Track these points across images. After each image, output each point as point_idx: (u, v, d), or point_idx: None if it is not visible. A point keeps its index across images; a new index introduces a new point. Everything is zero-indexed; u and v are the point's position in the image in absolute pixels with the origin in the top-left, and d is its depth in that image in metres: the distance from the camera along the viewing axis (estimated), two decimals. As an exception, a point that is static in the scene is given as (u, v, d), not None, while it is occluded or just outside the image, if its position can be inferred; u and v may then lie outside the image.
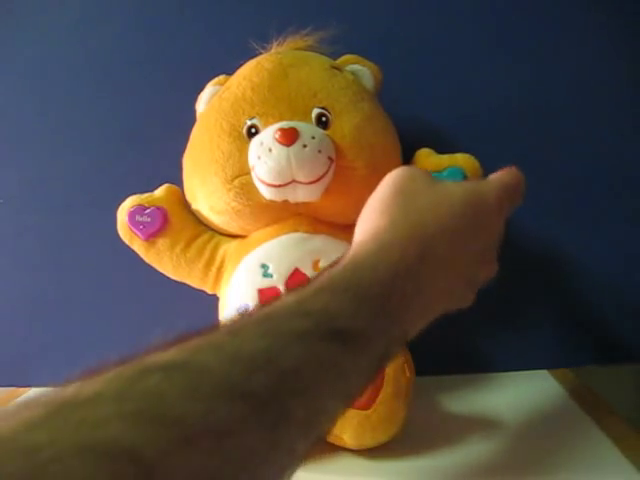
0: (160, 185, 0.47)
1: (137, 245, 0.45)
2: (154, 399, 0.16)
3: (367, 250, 0.26)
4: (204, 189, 0.43)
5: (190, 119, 0.46)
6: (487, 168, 0.43)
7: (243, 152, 0.40)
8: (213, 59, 0.49)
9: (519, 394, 0.50)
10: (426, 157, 0.44)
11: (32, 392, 0.58)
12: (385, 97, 0.46)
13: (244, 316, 0.22)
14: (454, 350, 0.56)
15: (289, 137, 0.38)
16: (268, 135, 0.39)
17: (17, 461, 0.14)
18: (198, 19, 0.55)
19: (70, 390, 0.17)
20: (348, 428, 0.40)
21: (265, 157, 0.38)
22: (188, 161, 0.45)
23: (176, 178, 0.46)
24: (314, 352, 0.21)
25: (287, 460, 0.20)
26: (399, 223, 0.28)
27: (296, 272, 0.41)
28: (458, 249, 0.29)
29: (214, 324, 0.22)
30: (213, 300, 0.46)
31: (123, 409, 0.16)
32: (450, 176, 0.42)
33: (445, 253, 0.28)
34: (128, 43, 0.56)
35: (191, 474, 0.16)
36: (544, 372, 0.54)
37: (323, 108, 0.41)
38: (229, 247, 0.45)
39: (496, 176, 0.33)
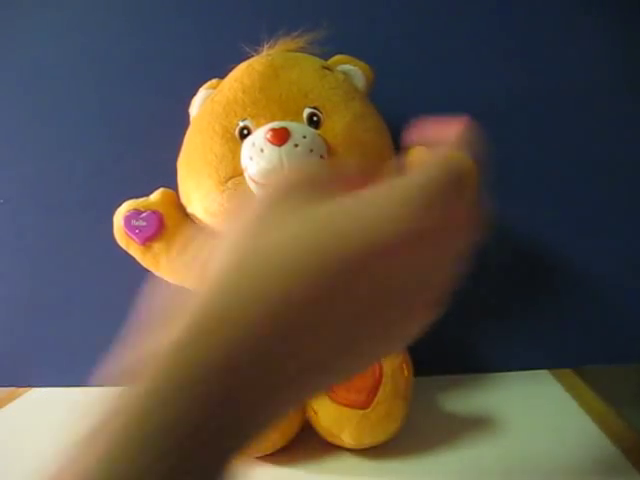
0: (159, 188, 0.47)
1: (134, 249, 0.45)
2: None
3: (208, 328, 0.17)
4: (198, 192, 0.43)
5: (185, 123, 0.46)
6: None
7: (236, 154, 0.40)
8: (205, 63, 0.49)
9: (519, 394, 0.49)
10: (419, 155, 0.44)
11: (32, 392, 0.58)
12: (378, 96, 0.46)
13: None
14: (454, 350, 0.55)
15: (280, 137, 0.38)
16: (260, 136, 0.39)
17: None
18: (190, 24, 0.55)
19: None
20: (347, 427, 0.40)
21: (257, 157, 0.38)
22: (182, 165, 0.45)
23: (173, 182, 0.46)
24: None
25: None
26: (250, 273, 0.18)
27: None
28: (340, 310, 0.18)
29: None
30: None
31: None
32: None
33: (318, 318, 0.18)
34: (120, 48, 0.56)
35: None
36: (544, 372, 0.54)
37: (314, 108, 0.41)
38: (224, 249, 0.45)
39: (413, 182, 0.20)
